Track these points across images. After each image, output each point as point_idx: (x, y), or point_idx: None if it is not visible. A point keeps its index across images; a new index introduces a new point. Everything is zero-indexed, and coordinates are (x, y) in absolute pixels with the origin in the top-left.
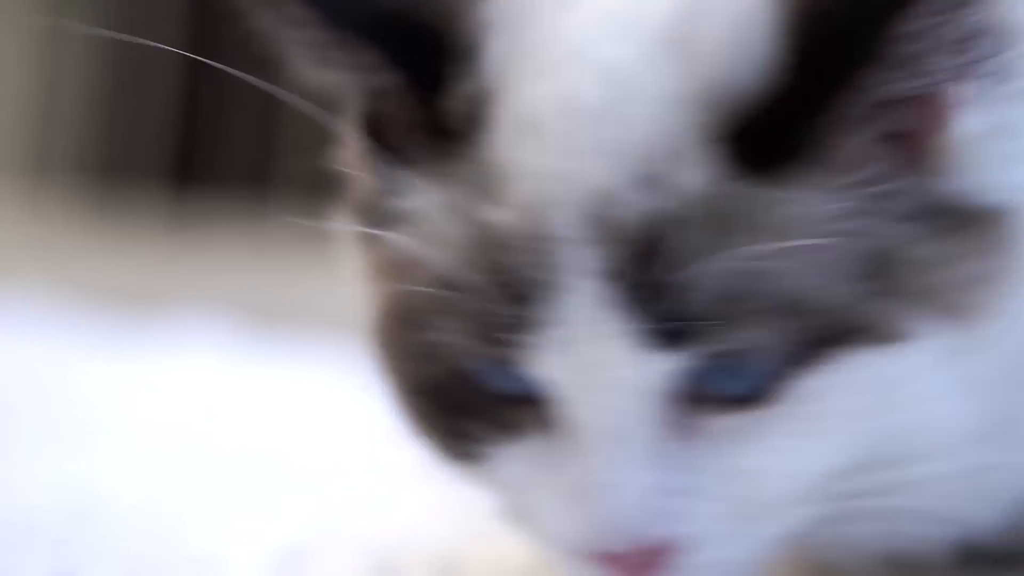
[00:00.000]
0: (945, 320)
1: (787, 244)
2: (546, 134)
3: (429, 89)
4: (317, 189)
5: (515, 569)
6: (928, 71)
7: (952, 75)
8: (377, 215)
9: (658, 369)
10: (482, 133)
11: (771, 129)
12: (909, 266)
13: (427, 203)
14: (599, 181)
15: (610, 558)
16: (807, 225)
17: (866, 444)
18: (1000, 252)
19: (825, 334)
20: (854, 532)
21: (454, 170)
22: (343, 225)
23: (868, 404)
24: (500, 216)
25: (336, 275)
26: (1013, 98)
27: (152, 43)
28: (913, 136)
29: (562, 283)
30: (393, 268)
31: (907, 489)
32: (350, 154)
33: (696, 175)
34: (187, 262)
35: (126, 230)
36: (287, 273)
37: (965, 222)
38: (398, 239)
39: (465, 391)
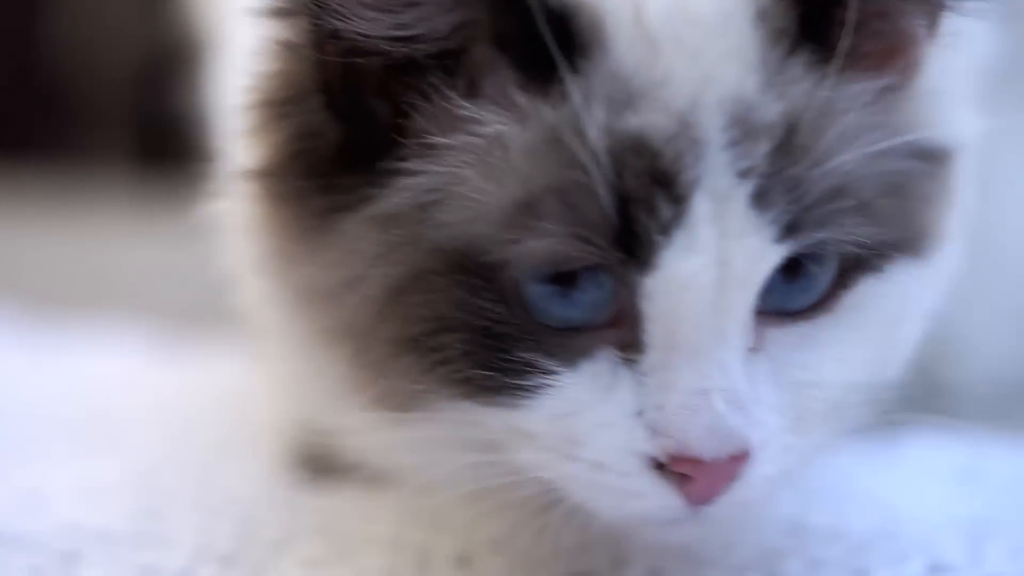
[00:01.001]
0: (933, 244)
1: (899, 140)
2: (681, 43)
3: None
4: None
5: None
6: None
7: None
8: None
9: (768, 266)
10: (600, 51)
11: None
12: (915, 193)
13: (511, 130)
14: (736, 86)
15: (699, 468)
16: (878, 130)
17: (880, 358)
18: (949, 186)
19: (881, 242)
20: None
21: (556, 93)
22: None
23: (898, 312)
24: (651, 119)
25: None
26: (954, 45)
27: None
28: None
29: (709, 185)
30: (408, 216)
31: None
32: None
33: (806, 78)
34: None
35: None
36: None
37: (935, 161)
38: (457, 173)
39: (517, 322)
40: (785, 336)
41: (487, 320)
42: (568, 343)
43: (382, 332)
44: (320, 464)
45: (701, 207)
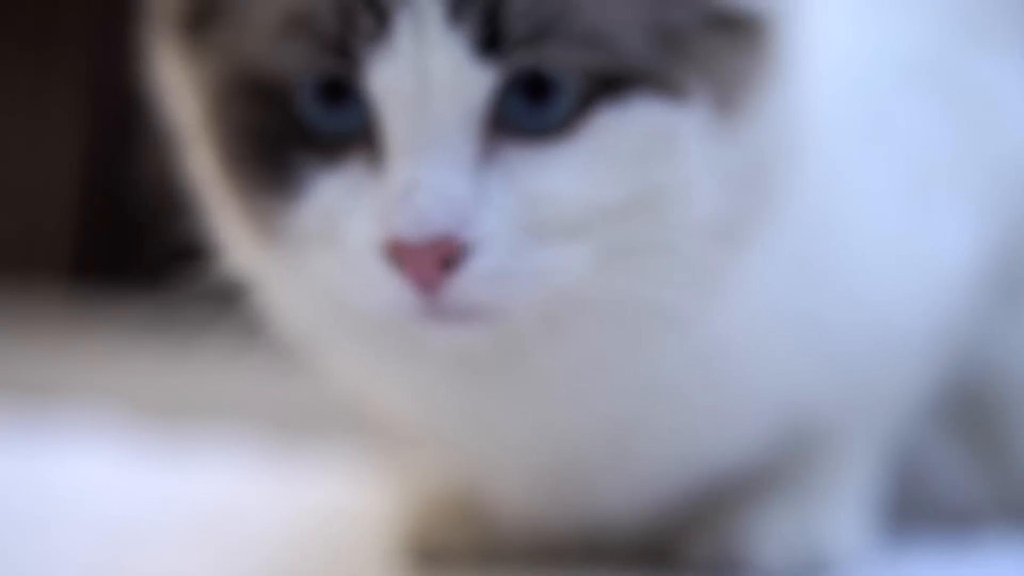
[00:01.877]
0: (714, 102)
1: None
2: None
3: None
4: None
5: None
6: None
7: None
8: (207, 7)
9: (476, 80)
10: None
11: None
12: (694, 46)
13: None
14: None
15: (407, 253)
16: None
17: (637, 188)
18: (759, 57)
19: (619, 73)
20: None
21: None
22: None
23: (645, 148)
24: None
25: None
26: None
27: None
28: None
29: (411, 3)
30: (228, 44)
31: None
32: None
33: None
34: (82, 355)
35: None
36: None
37: (735, 25)
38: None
39: (292, 133)
40: (524, 152)
41: (271, 130)
42: (334, 151)
43: (213, 152)
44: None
45: (401, 22)
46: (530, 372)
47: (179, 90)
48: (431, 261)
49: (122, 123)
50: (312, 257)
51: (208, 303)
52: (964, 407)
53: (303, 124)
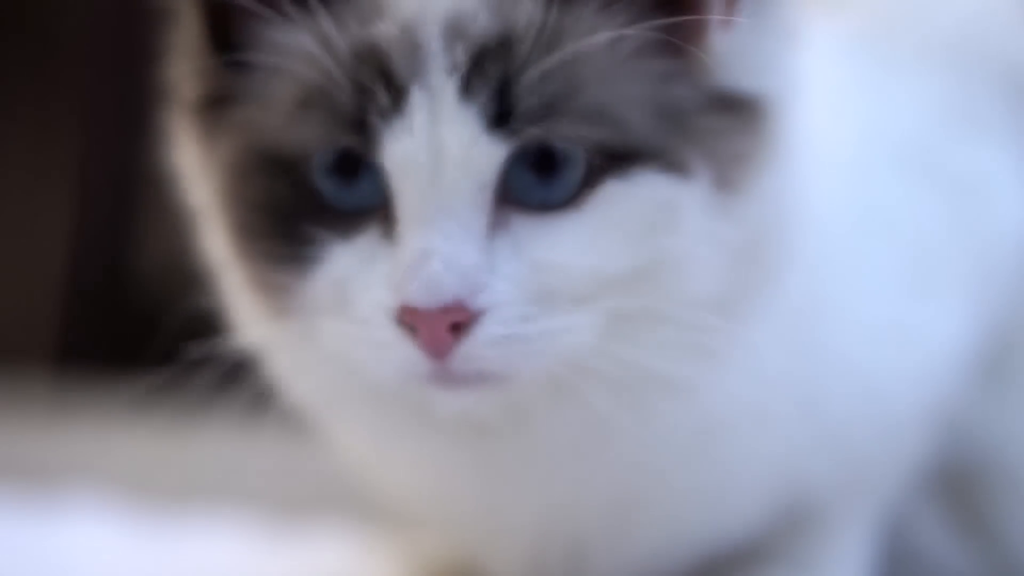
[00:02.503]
0: (715, 180)
1: (578, 49)
2: None
3: None
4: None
5: None
6: None
7: None
8: (224, 90)
9: (487, 153)
10: None
11: None
12: (697, 124)
13: (293, 40)
14: (456, 5)
15: (420, 319)
16: (596, 43)
17: (640, 259)
18: (759, 137)
19: (625, 149)
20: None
21: (334, 9)
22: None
23: (649, 221)
24: (383, 29)
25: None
26: (761, 12)
27: None
28: (683, 37)
29: (426, 80)
30: (245, 122)
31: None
32: (182, 62)
33: (527, 4)
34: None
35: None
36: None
37: (735, 107)
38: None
39: (308, 205)
40: (533, 223)
41: (287, 203)
42: (348, 223)
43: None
44: None
45: (416, 98)
46: (534, 441)
47: (194, 171)
48: (442, 327)
49: (112, 207)
50: (325, 325)
51: (202, 384)
52: (953, 484)
53: (318, 196)
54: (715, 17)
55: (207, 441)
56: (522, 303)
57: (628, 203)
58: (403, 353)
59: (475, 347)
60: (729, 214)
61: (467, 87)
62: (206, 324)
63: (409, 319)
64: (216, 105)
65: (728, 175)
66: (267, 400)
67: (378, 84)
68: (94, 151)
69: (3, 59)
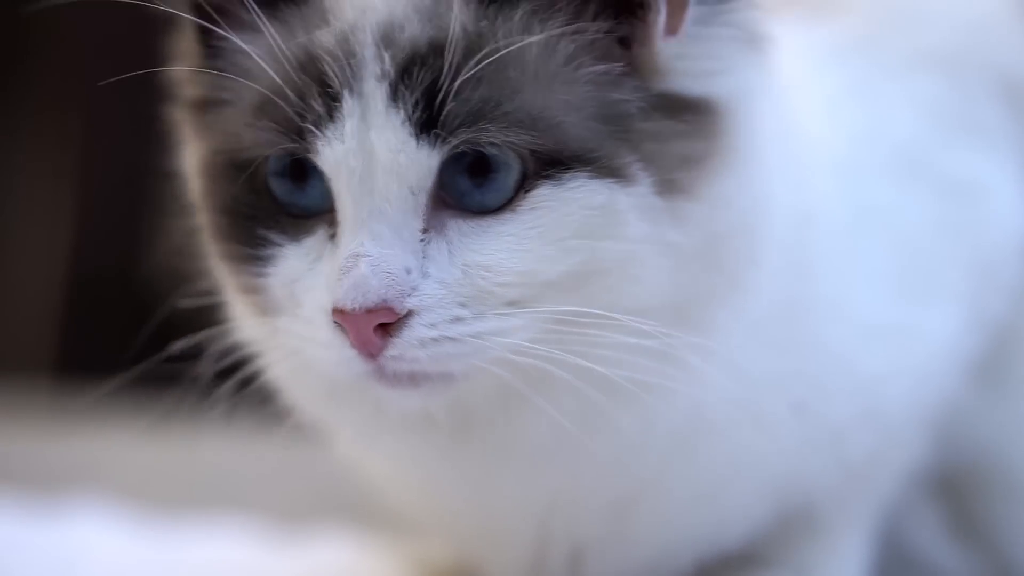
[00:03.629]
0: (659, 184)
1: (498, 54)
2: None
3: None
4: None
5: None
6: None
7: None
8: (212, 90)
9: (417, 159)
10: None
11: None
12: (637, 128)
13: (259, 47)
14: (390, 13)
15: (348, 320)
16: (523, 46)
17: (576, 263)
18: (709, 141)
19: (558, 154)
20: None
21: (287, 17)
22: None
23: (583, 225)
24: (322, 38)
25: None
26: (713, 17)
27: None
28: (629, 42)
29: (358, 87)
30: (216, 125)
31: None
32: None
33: (457, 13)
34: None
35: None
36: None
37: (682, 110)
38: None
39: (264, 207)
40: (467, 226)
41: (247, 205)
42: (299, 226)
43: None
44: None
45: (348, 104)
46: (506, 442)
47: (193, 171)
48: (368, 327)
49: (115, 213)
50: (280, 324)
51: (203, 389)
52: (949, 486)
53: (273, 200)
54: (659, 21)
55: (209, 446)
56: (453, 305)
57: (561, 207)
58: (341, 353)
59: (404, 348)
60: (678, 219)
61: (395, 94)
62: (206, 324)
63: (339, 320)
64: (204, 108)
65: (676, 179)
66: (268, 404)
67: (315, 91)
68: (97, 157)
69: (3, 62)
